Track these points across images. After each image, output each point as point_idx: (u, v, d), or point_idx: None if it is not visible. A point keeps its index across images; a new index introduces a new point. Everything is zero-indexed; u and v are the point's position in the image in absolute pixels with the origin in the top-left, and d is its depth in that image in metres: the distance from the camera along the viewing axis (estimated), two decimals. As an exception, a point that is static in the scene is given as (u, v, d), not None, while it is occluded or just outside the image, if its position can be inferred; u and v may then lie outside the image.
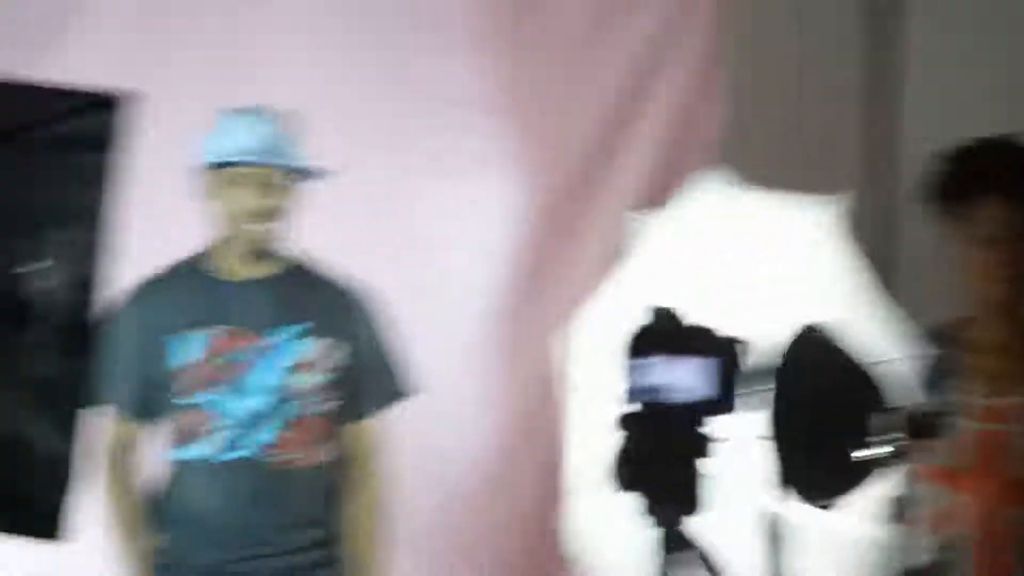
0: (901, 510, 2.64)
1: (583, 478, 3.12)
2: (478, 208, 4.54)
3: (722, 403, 2.26)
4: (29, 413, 2.34)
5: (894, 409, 2.53)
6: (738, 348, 2.27)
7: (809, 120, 4.88)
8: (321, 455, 3.52)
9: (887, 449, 2.45)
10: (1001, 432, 3.66)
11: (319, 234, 3.56)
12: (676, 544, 2.28)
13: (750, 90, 4.68)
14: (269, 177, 3.46)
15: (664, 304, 2.29)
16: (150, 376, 3.44)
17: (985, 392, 3.73)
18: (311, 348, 3.51)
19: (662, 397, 2.26)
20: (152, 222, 3.80)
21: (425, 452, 4.24)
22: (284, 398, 3.46)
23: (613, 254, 4.41)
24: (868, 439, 2.43)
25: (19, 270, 2.19)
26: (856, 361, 2.49)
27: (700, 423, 2.27)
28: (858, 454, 2.42)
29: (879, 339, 2.87)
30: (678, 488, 2.26)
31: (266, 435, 3.45)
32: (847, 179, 3.97)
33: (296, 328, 3.50)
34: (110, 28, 4.18)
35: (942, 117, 4.99)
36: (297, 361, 3.48)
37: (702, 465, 2.26)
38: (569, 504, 3.13)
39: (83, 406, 3.12)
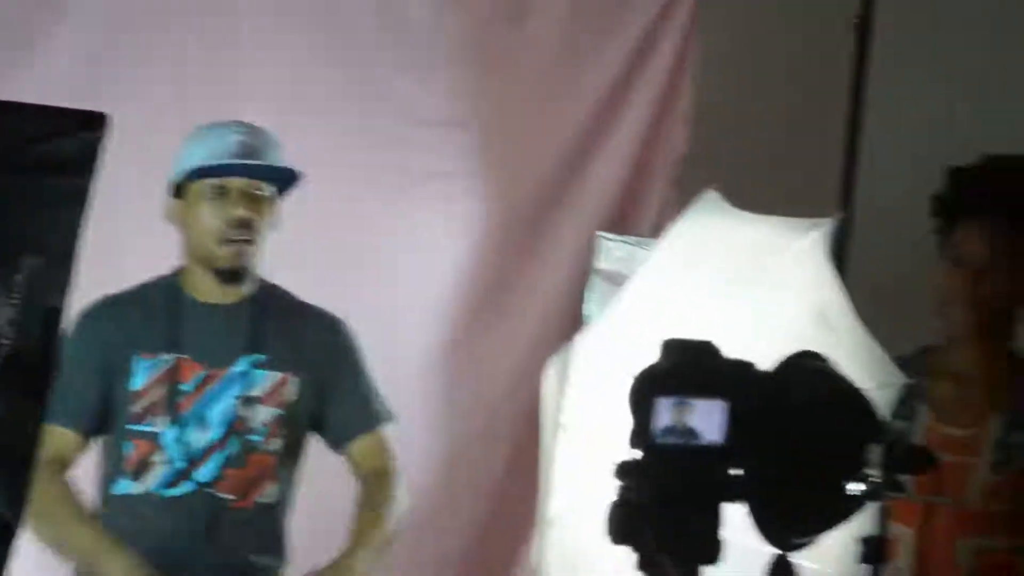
0: (875, 549, 2.50)
1: (563, 521, 2.98)
2: (439, 226, 4.42)
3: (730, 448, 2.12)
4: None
5: (886, 441, 2.39)
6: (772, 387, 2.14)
7: (772, 141, 4.85)
8: (265, 495, 3.33)
9: (876, 482, 2.31)
10: (959, 463, 3.60)
11: (276, 250, 3.40)
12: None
13: (716, 111, 4.65)
14: (255, 188, 3.27)
15: (696, 338, 2.15)
16: (102, 393, 3.25)
17: (945, 422, 3.67)
18: (266, 381, 3.32)
19: (686, 440, 2.10)
20: (114, 248, 3.63)
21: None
22: (233, 433, 3.27)
23: (582, 274, 4.32)
24: (862, 473, 2.29)
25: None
26: (854, 390, 2.35)
27: (725, 467, 2.12)
28: (851, 488, 2.27)
29: (859, 367, 2.74)
30: (692, 538, 2.11)
31: (210, 471, 3.26)
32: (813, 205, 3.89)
33: (254, 359, 3.31)
34: (74, 47, 4.04)
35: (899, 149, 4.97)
36: (250, 394, 3.30)
37: (723, 513, 2.12)
38: (542, 544, 3.00)
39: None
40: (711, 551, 2.07)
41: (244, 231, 3.26)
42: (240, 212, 3.24)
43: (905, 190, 4.91)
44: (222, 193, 3.25)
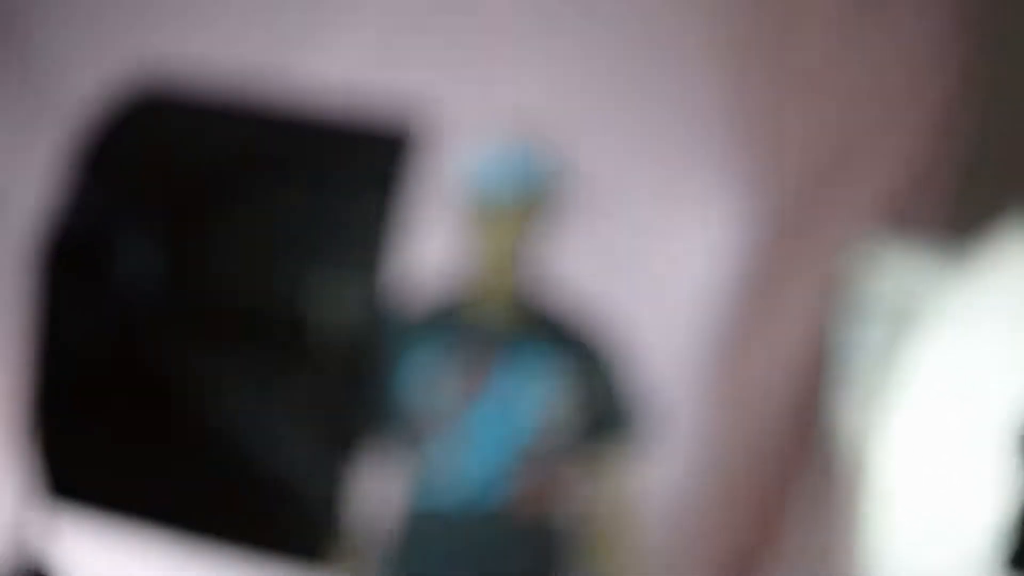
0: None
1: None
2: (699, 219, 4.16)
3: None
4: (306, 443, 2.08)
5: None
6: None
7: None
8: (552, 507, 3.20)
9: None
10: None
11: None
12: None
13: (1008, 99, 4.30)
14: (526, 214, 3.15)
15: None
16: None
17: None
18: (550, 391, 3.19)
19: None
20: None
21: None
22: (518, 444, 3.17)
23: (846, 283, 4.04)
24: None
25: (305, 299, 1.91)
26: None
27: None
28: None
29: None
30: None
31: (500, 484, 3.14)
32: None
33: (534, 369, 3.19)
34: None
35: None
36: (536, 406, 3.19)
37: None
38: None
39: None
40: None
41: (509, 263, 3.32)
42: (506, 244, 3.28)
43: None
44: (492, 220, 3.26)
